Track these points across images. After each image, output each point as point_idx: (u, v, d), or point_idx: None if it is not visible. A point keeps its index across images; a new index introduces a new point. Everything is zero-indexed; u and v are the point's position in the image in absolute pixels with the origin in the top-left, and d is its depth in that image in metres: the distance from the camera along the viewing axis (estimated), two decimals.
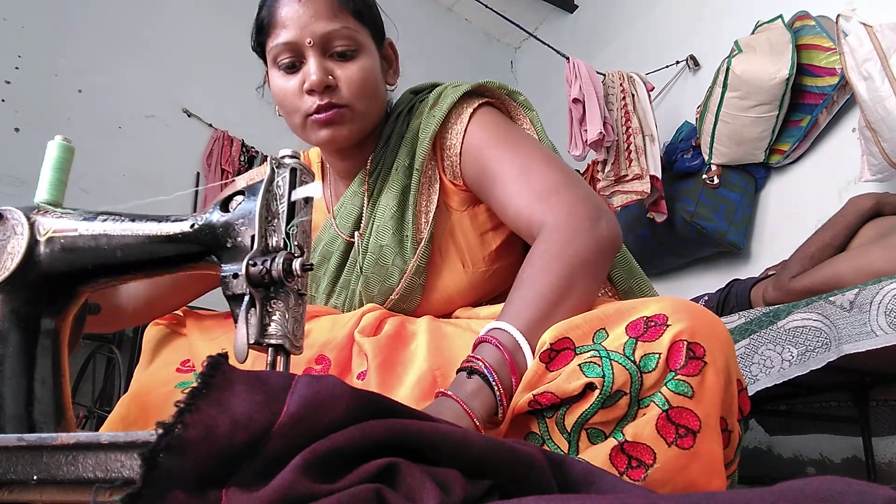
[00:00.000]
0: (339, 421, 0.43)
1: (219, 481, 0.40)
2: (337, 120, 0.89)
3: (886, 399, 2.05)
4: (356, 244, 0.95)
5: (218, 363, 0.41)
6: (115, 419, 0.78)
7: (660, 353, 0.60)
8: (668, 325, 0.61)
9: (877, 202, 1.85)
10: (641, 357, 0.61)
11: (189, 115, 3.47)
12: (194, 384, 0.40)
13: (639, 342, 0.61)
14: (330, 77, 0.88)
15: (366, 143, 0.97)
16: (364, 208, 0.95)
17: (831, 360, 1.40)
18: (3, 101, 3.03)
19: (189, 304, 1.04)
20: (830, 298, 1.46)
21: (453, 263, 0.94)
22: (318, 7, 0.88)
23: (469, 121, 0.90)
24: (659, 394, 0.60)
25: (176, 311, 0.98)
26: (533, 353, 0.67)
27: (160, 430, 0.38)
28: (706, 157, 2.67)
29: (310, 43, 0.87)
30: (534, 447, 0.48)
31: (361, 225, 0.95)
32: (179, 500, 0.38)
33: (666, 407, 0.59)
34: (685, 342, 0.60)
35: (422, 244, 0.91)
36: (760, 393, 1.48)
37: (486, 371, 0.65)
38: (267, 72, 0.97)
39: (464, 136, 0.90)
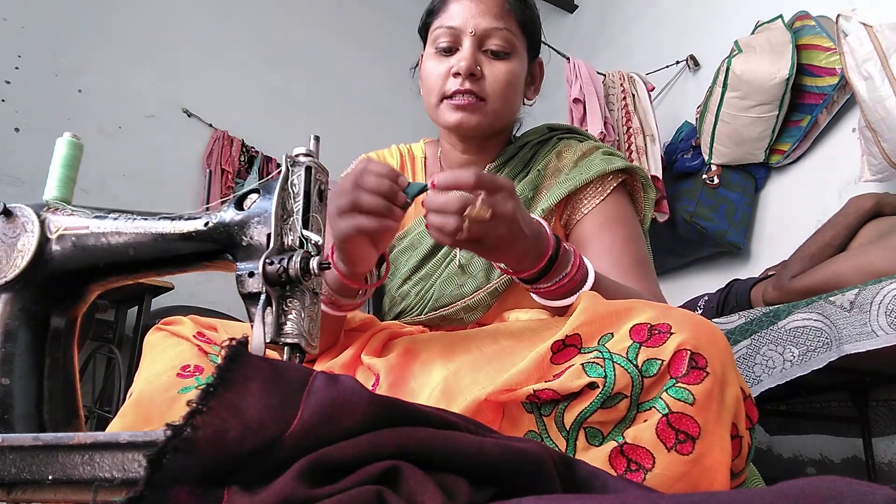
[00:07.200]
0: (353, 429, 0.42)
1: (222, 479, 0.40)
2: (470, 108, 0.95)
3: (886, 399, 2.05)
4: None
5: (237, 354, 0.41)
6: (116, 428, 0.77)
7: (662, 360, 0.61)
8: (671, 334, 0.62)
9: (877, 202, 1.85)
10: (644, 362, 0.61)
11: (189, 115, 3.47)
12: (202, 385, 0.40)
13: (642, 347, 0.62)
14: (478, 68, 0.95)
15: (488, 145, 1.03)
16: None
17: (832, 359, 1.40)
18: (3, 101, 3.02)
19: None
20: (830, 298, 1.46)
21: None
22: (489, 4, 0.96)
23: (609, 194, 0.97)
24: (660, 399, 0.60)
25: (179, 317, 0.96)
26: (591, 288, 0.78)
27: (169, 432, 0.38)
28: (706, 157, 2.67)
29: (471, 32, 0.95)
30: (544, 449, 0.47)
31: None
32: (181, 497, 0.38)
33: (666, 411, 0.59)
34: (688, 352, 0.61)
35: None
36: (762, 393, 1.48)
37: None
38: (422, 54, 1.04)
39: (598, 204, 0.97)
